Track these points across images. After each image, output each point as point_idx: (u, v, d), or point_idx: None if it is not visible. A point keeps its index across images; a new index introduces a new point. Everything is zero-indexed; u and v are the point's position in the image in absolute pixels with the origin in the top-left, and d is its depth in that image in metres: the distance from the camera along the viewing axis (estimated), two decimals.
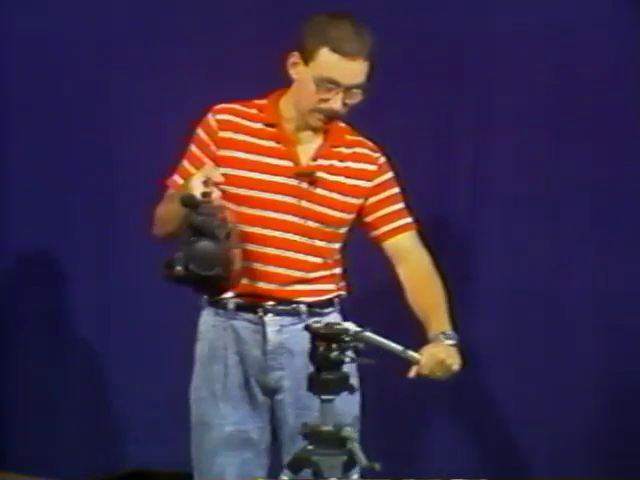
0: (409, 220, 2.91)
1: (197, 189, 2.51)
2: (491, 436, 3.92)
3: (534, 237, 3.88)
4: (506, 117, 3.88)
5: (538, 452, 3.85)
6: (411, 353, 2.49)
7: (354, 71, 2.68)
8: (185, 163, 2.83)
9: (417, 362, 2.54)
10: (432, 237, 3.94)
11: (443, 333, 2.70)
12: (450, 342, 2.69)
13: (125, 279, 4.22)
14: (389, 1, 3.90)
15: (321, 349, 2.39)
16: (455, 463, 3.96)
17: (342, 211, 2.82)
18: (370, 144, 2.89)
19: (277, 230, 2.76)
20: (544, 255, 3.88)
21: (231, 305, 2.79)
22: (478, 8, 3.86)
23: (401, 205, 2.90)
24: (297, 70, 2.74)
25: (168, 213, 2.72)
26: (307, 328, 2.45)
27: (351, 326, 2.43)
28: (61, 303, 4.33)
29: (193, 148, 2.83)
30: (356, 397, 2.80)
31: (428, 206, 3.94)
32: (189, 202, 2.46)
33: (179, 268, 2.40)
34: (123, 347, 4.26)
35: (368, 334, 2.43)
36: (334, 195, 2.80)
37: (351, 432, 2.42)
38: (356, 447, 2.39)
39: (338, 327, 2.43)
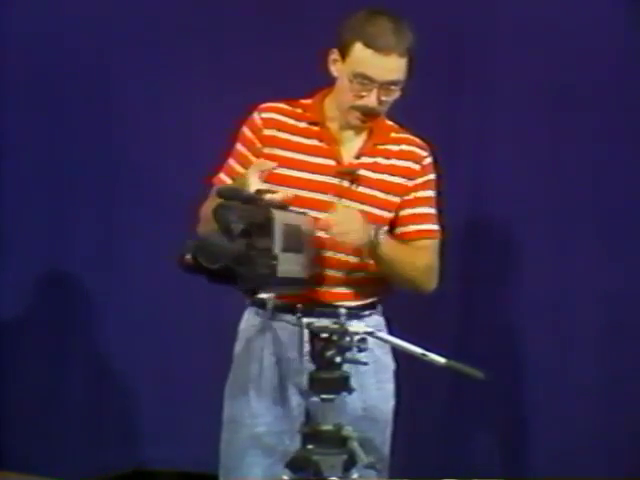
0: (436, 227, 2.87)
1: (254, 185, 2.51)
2: (491, 436, 3.92)
3: (534, 237, 3.88)
4: (506, 117, 3.88)
5: (538, 452, 3.85)
6: (432, 356, 2.45)
7: (388, 67, 2.65)
8: (231, 161, 2.82)
9: (440, 365, 2.42)
10: None
11: (377, 228, 2.67)
12: (371, 232, 2.65)
13: (126, 278, 4.23)
14: (389, 1, 3.90)
15: (318, 348, 2.40)
16: (455, 463, 3.96)
17: (383, 209, 2.77)
18: (419, 142, 2.86)
19: (317, 229, 2.67)
20: (544, 255, 3.88)
21: (270, 306, 2.75)
22: (478, 8, 3.87)
23: (433, 210, 2.86)
24: (336, 67, 2.73)
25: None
26: (307, 327, 2.45)
27: (361, 327, 2.43)
28: (61, 303, 4.33)
29: (239, 146, 2.82)
30: (390, 402, 2.85)
31: None
32: (225, 194, 2.41)
33: (188, 257, 2.35)
34: (123, 347, 4.26)
35: (384, 335, 2.43)
36: (376, 193, 2.76)
37: (351, 431, 2.42)
38: (356, 446, 2.39)
39: (336, 327, 2.43)
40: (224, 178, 2.81)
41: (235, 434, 2.77)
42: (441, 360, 2.41)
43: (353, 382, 2.46)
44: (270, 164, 2.64)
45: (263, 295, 2.72)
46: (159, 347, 4.19)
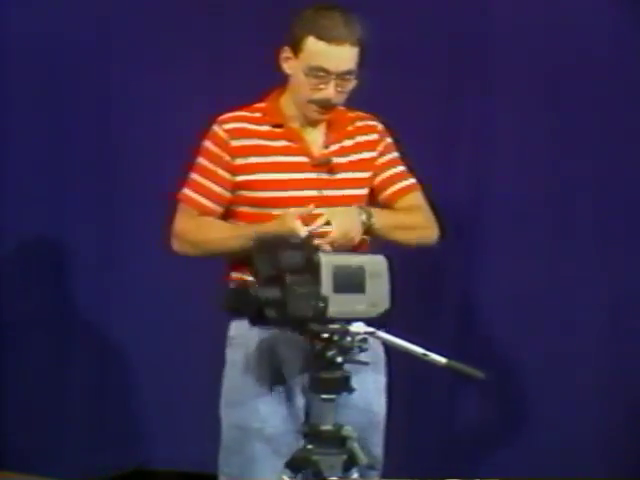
0: (413, 180, 2.95)
1: (300, 230, 2.58)
2: (491, 436, 3.92)
3: (535, 238, 3.88)
4: (506, 117, 3.88)
5: (538, 452, 3.85)
6: (434, 356, 2.45)
7: (342, 57, 2.70)
8: (199, 178, 2.82)
9: (441, 365, 2.46)
10: None
11: (365, 210, 2.76)
12: (363, 217, 2.73)
13: (126, 277, 4.22)
14: (388, 1, 3.91)
15: (318, 348, 2.40)
16: (455, 463, 3.96)
17: (361, 187, 2.86)
18: (367, 115, 2.93)
19: (304, 225, 2.71)
20: (545, 257, 3.87)
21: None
22: (478, 8, 3.86)
23: (403, 167, 2.95)
24: (289, 65, 2.77)
25: (225, 244, 2.76)
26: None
27: (362, 327, 2.43)
28: (61, 302, 4.32)
29: (205, 162, 2.82)
30: (383, 396, 2.84)
31: None
32: (271, 242, 2.47)
33: (229, 305, 2.48)
34: (124, 346, 4.26)
35: (385, 335, 2.43)
36: (351, 175, 2.84)
37: (351, 431, 2.41)
38: (356, 446, 2.39)
39: (336, 327, 2.42)
40: (196, 197, 2.81)
41: (245, 440, 2.76)
42: (441, 360, 2.41)
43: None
44: (309, 208, 2.67)
45: None
46: (159, 347, 4.19)
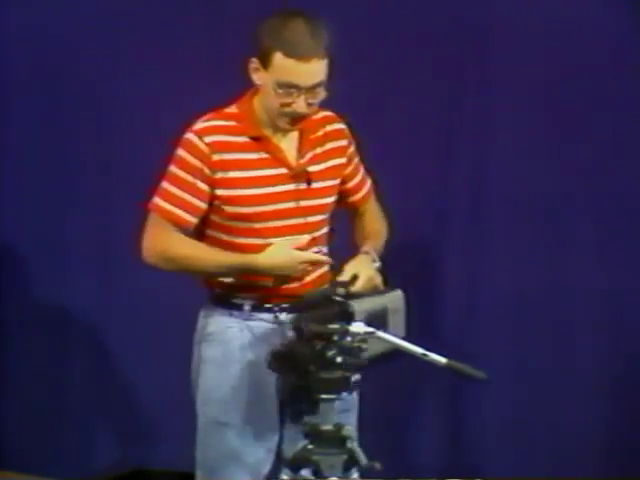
0: (370, 183, 3.06)
1: (302, 257, 2.69)
2: (491, 436, 3.92)
3: (535, 237, 3.87)
4: (506, 117, 3.87)
5: (538, 452, 3.85)
6: (434, 356, 2.45)
7: (311, 72, 2.68)
8: (175, 190, 2.77)
9: (441, 365, 2.48)
10: (432, 237, 3.98)
11: (371, 254, 2.87)
12: (377, 264, 2.85)
13: (126, 278, 4.22)
14: (388, 1, 3.90)
15: (318, 348, 2.40)
16: (455, 463, 3.96)
17: (332, 195, 2.89)
18: (332, 115, 2.92)
19: (282, 235, 2.78)
20: (545, 255, 3.87)
21: (247, 306, 2.80)
22: (478, 8, 3.86)
23: (363, 171, 3.02)
24: (258, 76, 2.75)
25: (204, 267, 2.78)
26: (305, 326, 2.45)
27: (361, 327, 2.43)
28: (61, 303, 4.32)
29: (182, 174, 2.77)
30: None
31: (428, 206, 3.96)
32: (305, 305, 2.57)
33: (274, 365, 2.52)
34: (123, 347, 4.26)
35: (384, 335, 2.43)
36: (323, 183, 2.85)
37: (351, 431, 2.41)
38: (356, 446, 2.39)
39: (336, 327, 2.42)
40: (173, 209, 2.76)
41: (223, 435, 2.79)
42: (442, 360, 2.41)
43: None
44: (303, 238, 2.75)
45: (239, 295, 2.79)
46: (159, 347, 4.18)
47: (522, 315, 3.88)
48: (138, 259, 4.20)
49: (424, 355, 2.40)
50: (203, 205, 2.76)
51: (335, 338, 2.41)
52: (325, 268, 2.90)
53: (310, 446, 2.41)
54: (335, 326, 2.43)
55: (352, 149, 2.95)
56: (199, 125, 2.79)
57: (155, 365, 4.19)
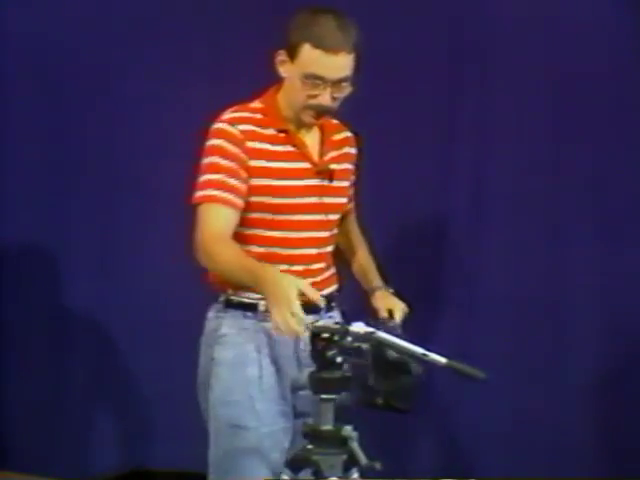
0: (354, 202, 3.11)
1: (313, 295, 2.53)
2: (491, 436, 3.92)
3: (535, 237, 3.88)
4: (506, 117, 3.88)
5: (537, 452, 3.85)
6: (434, 356, 2.45)
7: (338, 65, 2.69)
8: (218, 177, 2.72)
9: (441, 365, 2.49)
10: (432, 237, 3.98)
11: (384, 286, 2.97)
12: (392, 291, 2.94)
13: (126, 278, 4.23)
14: (388, 2, 3.91)
15: (319, 348, 2.40)
16: (455, 463, 3.96)
17: (347, 196, 2.96)
18: (346, 125, 2.97)
19: (303, 231, 2.80)
20: (545, 255, 3.87)
21: (261, 307, 2.76)
22: (478, 7, 3.86)
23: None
24: (285, 68, 2.76)
25: (242, 277, 2.66)
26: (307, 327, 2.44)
27: (361, 327, 2.43)
28: (61, 303, 4.33)
29: (222, 161, 2.74)
30: None
31: (428, 206, 3.96)
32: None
33: (380, 401, 2.50)
34: (123, 347, 4.27)
35: (383, 335, 2.43)
36: (343, 183, 2.91)
37: (351, 431, 2.42)
38: (356, 446, 2.39)
39: (336, 327, 2.42)
40: (222, 194, 2.71)
41: (240, 438, 2.76)
42: (442, 360, 2.41)
43: None
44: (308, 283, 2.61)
45: (254, 296, 2.75)
46: (159, 347, 4.19)
47: (522, 315, 3.88)
48: (138, 259, 4.23)
49: (424, 355, 2.40)
50: (246, 190, 2.74)
51: (335, 338, 2.41)
52: (333, 270, 2.93)
53: (310, 446, 2.41)
54: (336, 326, 2.43)
55: (358, 160, 3.00)
56: (229, 115, 2.80)
57: (155, 365, 4.20)
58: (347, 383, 2.43)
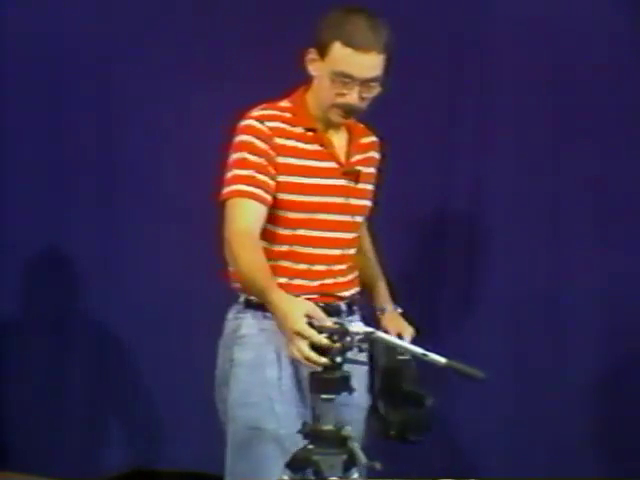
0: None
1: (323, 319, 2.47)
2: (491, 436, 3.92)
3: (535, 237, 3.88)
4: (506, 117, 3.88)
5: (538, 452, 3.85)
6: (433, 356, 2.45)
7: (368, 64, 2.69)
8: (246, 172, 2.71)
9: (441, 365, 2.49)
10: (432, 237, 3.98)
11: (393, 308, 2.97)
12: (400, 311, 2.96)
13: (126, 277, 4.23)
14: (388, 1, 3.90)
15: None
16: (454, 463, 3.96)
17: (371, 199, 2.94)
18: (371, 129, 2.98)
19: (328, 231, 2.79)
20: (545, 255, 3.88)
21: None
22: (478, 8, 3.87)
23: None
24: (315, 66, 2.76)
25: (252, 291, 2.66)
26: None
27: (361, 327, 2.43)
28: (61, 303, 4.33)
29: (252, 157, 2.72)
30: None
31: (428, 206, 3.96)
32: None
33: (393, 432, 2.57)
34: (124, 347, 4.26)
35: (383, 335, 2.43)
36: (368, 186, 2.90)
37: (351, 431, 2.41)
38: (356, 446, 2.39)
39: (336, 327, 2.42)
40: (251, 189, 2.70)
41: (258, 440, 2.73)
42: (441, 360, 2.41)
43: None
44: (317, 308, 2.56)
45: None
46: (159, 347, 4.19)
47: (522, 315, 3.89)
48: (138, 258, 4.23)
49: (424, 355, 2.40)
50: (274, 186, 2.73)
51: (335, 338, 2.41)
52: (355, 273, 2.91)
53: (310, 446, 2.41)
54: (335, 326, 2.43)
55: (381, 165, 3.00)
56: (257, 112, 2.79)
57: (156, 365, 4.20)
58: (347, 383, 2.43)
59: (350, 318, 2.82)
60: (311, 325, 2.41)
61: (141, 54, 4.19)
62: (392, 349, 2.63)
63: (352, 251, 2.88)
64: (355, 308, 2.90)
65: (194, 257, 4.04)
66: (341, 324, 2.43)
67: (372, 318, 2.91)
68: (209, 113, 4.05)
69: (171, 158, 4.16)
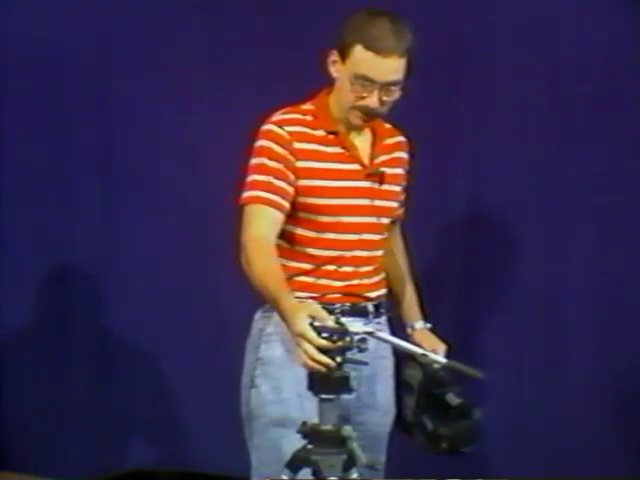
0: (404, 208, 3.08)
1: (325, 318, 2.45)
2: (490, 436, 3.91)
3: (534, 237, 3.88)
4: (506, 117, 3.88)
5: (538, 452, 3.85)
6: (433, 356, 2.45)
7: (389, 68, 2.69)
8: (265, 178, 2.72)
9: (441, 365, 2.49)
10: (432, 236, 3.98)
11: (423, 324, 3.03)
12: (429, 326, 3.02)
13: (126, 277, 4.23)
14: (388, 1, 3.90)
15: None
16: (455, 463, 3.95)
17: (397, 201, 2.94)
18: (399, 129, 2.97)
19: (354, 233, 2.79)
20: (544, 255, 3.88)
21: None
22: (478, 8, 3.87)
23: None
24: (336, 68, 2.76)
25: (264, 297, 2.65)
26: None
27: (361, 327, 2.43)
28: (61, 303, 4.33)
29: (270, 162, 2.73)
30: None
31: (428, 206, 3.96)
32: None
33: (445, 446, 2.65)
34: (124, 346, 4.26)
35: (384, 335, 2.43)
36: (394, 187, 2.89)
37: (350, 431, 2.41)
38: (356, 446, 2.39)
39: (336, 327, 2.42)
40: (268, 196, 2.71)
41: (287, 436, 2.69)
42: (441, 360, 2.42)
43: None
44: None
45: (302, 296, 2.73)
46: (159, 347, 4.19)
47: (521, 315, 3.88)
48: (139, 259, 4.23)
49: (424, 355, 2.41)
50: (292, 192, 2.74)
51: (334, 338, 2.41)
52: (382, 275, 2.91)
53: (310, 446, 2.41)
54: (335, 326, 2.43)
55: (410, 165, 2.98)
56: (278, 117, 2.79)
57: (156, 365, 4.20)
58: (347, 383, 2.43)
59: (377, 320, 2.83)
60: (312, 326, 2.41)
61: (141, 55, 4.19)
62: (421, 364, 2.66)
63: (379, 252, 2.88)
64: (382, 310, 2.89)
65: (194, 257, 4.05)
66: (341, 324, 2.43)
67: (399, 322, 2.96)
68: (209, 113, 4.05)
69: (171, 158, 4.16)
